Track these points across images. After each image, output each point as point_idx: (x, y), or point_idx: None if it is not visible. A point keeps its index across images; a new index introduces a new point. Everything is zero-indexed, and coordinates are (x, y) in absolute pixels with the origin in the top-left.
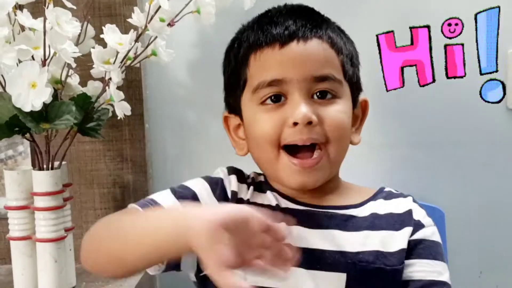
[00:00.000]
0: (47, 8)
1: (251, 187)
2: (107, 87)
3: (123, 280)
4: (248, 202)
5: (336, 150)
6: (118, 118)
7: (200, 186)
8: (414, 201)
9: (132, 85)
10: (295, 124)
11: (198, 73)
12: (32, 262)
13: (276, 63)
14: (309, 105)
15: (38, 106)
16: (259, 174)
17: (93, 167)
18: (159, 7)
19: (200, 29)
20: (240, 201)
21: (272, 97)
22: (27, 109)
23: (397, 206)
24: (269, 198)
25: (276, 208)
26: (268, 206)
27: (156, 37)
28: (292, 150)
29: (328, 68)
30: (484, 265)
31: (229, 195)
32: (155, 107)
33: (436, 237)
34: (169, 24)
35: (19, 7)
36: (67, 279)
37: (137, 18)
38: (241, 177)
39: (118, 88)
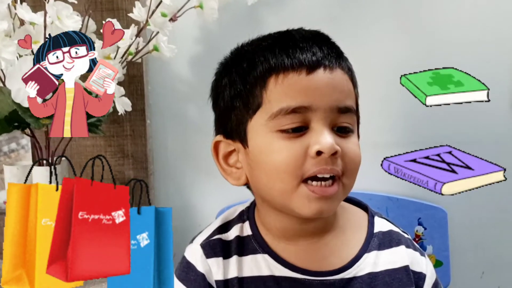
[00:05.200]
0: (48, 2)
1: (235, 256)
2: None
3: None
4: (238, 280)
5: (350, 184)
6: (119, 113)
7: None
8: (407, 246)
9: (134, 80)
10: (319, 153)
11: (201, 68)
12: None
13: (303, 89)
14: (332, 136)
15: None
16: (244, 219)
17: (94, 163)
18: (160, 1)
19: (202, 24)
20: (227, 283)
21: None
22: (26, 104)
23: (391, 259)
24: (261, 264)
25: (269, 279)
26: (260, 278)
27: (158, 32)
28: (309, 179)
29: (350, 100)
30: (486, 265)
31: (215, 286)
32: (157, 103)
33: (434, 274)
34: (171, 19)
35: (20, 0)
36: None
37: (138, 12)
38: (222, 249)
39: (120, 83)
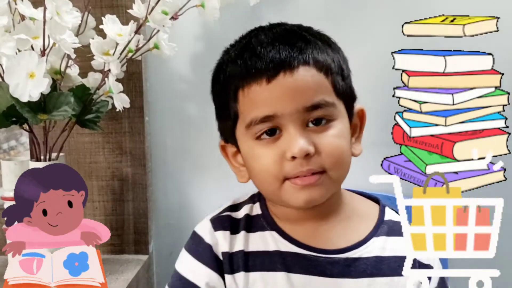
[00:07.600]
0: None
1: (243, 232)
2: (106, 79)
3: (119, 273)
4: (243, 253)
5: (336, 174)
6: (117, 110)
7: (197, 274)
8: None
9: (133, 77)
10: (293, 158)
11: (200, 67)
12: None
13: (266, 99)
14: (304, 136)
15: (35, 97)
16: (254, 201)
17: (92, 159)
18: None
19: (203, 23)
20: (232, 256)
21: (267, 131)
22: (24, 99)
23: (400, 247)
24: (268, 240)
25: (275, 253)
26: (266, 253)
27: (158, 30)
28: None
29: (319, 95)
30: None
31: (221, 258)
32: (156, 100)
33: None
34: (172, 18)
35: None
36: None
37: (137, 9)
38: (230, 224)
39: (118, 80)
